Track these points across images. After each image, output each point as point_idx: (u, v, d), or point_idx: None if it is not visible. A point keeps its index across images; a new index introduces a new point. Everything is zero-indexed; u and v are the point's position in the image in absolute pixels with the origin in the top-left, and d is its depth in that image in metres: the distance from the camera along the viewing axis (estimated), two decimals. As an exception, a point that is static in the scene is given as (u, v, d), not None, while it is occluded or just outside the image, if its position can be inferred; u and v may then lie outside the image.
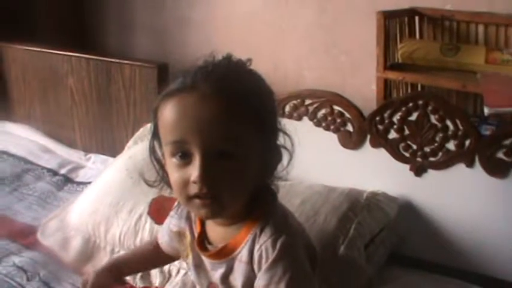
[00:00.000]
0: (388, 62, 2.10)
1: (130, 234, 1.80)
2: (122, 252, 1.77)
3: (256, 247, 1.18)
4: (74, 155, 2.59)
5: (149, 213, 1.81)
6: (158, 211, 1.79)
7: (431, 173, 1.81)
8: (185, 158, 1.14)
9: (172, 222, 1.37)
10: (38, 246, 1.92)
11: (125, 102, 2.41)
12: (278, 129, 1.24)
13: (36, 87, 2.70)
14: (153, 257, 1.53)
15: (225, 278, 1.24)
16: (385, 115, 1.82)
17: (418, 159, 1.81)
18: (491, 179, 1.74)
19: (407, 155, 1.82)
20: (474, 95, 2.12)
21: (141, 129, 2.23)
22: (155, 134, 1.23)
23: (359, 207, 1.72)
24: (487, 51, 2.13)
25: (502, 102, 1.84)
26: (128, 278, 1.72)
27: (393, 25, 2.16)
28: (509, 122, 1.94)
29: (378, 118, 1.83)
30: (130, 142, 2.23)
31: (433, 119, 1.77)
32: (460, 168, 1.77)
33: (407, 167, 1.83)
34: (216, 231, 1.27)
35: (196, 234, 1.30)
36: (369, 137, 1.86)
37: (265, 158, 1.19)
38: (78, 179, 2.42)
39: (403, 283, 1.72)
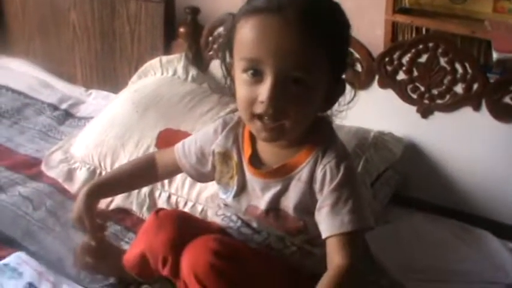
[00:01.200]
0: (396, 6, 2.08)
1: (137, 166, 1.80)
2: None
3: (320, 167, 1.22)
4: (75, 91, 2.56)
5: (157, 145, 1.82)
6: (166, 143, 1.78)
7: (437, 115, 1.83)
8: (256, 75, 1.16)
9: (217, 142, 1.36)
10: (43, 177, 1.93)
11: (129, 38, 2.37)
12: (347, 62, 1.26)
13: (36, 21, 2.64)
14: (144, 175, 1.53)
15: (277, 197, 1.27)
16: (394, 56, 1.83)
17: (426, 101, 1.83)
18: (497, 123, 1.76)
19: (414, 96, 1.84)
20: (478, 43, 2.12)
21: (145, 65, 2.22)
22: (228, 45, 1.24)
23: (366, 145, 1.75)
24: (495, 0, 2.12)
25: (510, 48, 1.85)
26: (135, 209, 1.75)
27: (402, -31, 2.14)
28: (516, 69, 1.95)
29: (387, 59, 1.84)
30: (135, 77, 2.22)
31: (442, 61, 1.78)
32: (467, 111, 1.79)
33: (414, 108, 1.85)
34: (270, 153, 1.29)
35: (245, 156, 1.32)
36: (377, 77, 1.87)
37: (330, 88, 1.22)
38: (79, 114, 2.40)
39: (405, 223, 1.75)
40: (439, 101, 1.81)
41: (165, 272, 1.32)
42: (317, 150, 1.24)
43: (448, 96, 1.80)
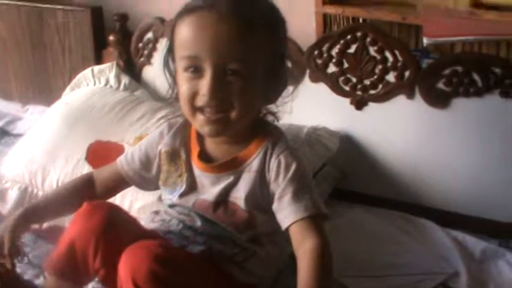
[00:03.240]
0: (329, -2, 2.05)
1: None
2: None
3: (273, 157, 1.26)
4: (11, 107, 2.50)
5: (87, 158, 1.77)
6: (96, 156, 1.76)
7: (372, 106, 1.80)
8: (197, 72, 1.20)
9: (164, 142, 1.38)
10: (-26, 200, 1.85)
11: (60, 49, 2.32)
12: (286, 56, 1.32)
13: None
14: (81, 196, 1.41)
15: (227, 189, 1.29)
16: (324, 49, 1.80)
17: (358, 92, 1.79)
18: (432, 109, 1.74)
19: (347, 88, 1.81)
20: (416, 29, 2.09)
21: (78, 76, 2.16)
22: (170, 49, 1.29)
23: (299, 143, 1.70)
24: (428, -15, 2.09)
25: (441, 32, 1.82)
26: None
27: (332, -43, 2.11)
28: (449, 53, 1.92)
29: (316, 52, 1.81)
30: (67, 89, 2.16)
31: (372, 50, 1.75)
32: (401, 100, 1.76)
33: (347, 100, 1.82)
34: (219, 149, 1.32)
35: (193, 153, 1.34)
36: (308, 71, 1.83)
37: (271, 81, 1.26)
38: (15, 131, 2.34)
39: (345, 218, 1.72)
40: (372, 92, 1.78)
41: (96, 263, 1.24)
42: (266, 143, 1.28)
43: (380, 86, 1.77)
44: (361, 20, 2.06)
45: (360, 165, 1.84)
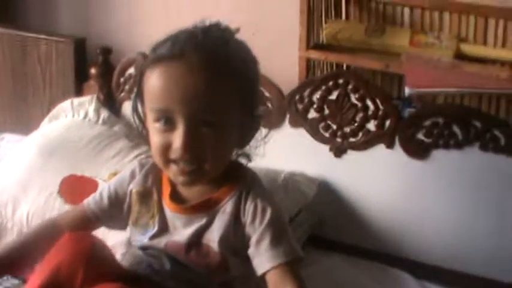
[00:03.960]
0: (313, 42, 2.05)
1: (39, 214, 1.71)
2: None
3: (249, 200, 1.22)
4: (-14, 135, 2.46)
5: (60, 192, 1.75)
6: (69, 190, 1.74)
7: (351, 153, 1.79)
8: (168, 124, 1.16)
9: (135, 181, 1.33)
10: None
11: (41, 79, 2.30)
12: (259, 100, 1.32)
13: None
14: (47, 244, 1.28)
15: (200, 232, 1.24)
16: (305, 94, 1.79)
17: (338, 139, 1.78)
18: (411, 160, 1.73)
19: (327, 135, 1.80)
20: (399, 78, 2.09)
21: (57, 107, 2.14)
22: (138, 94, 1.25)
23: (275, 188, 1.68)
24: (412, 34, 2.10)
25: (423, 83, 1.81)
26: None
27: (318, 5, 2.11)
28: (430, 104, 1.92)
29: (297, 97, 1.80)
30: (45, 120, 2.14)
31: (353, 98, 1.75)
32: (380, 149, 1.76)
33: (327, 147, 1.81)
34: (191, 190, 1.28)
35: (164, 194, 1.30)
36: (288, 116, 1.82)
37: (245, 126, 1.24)
38: (-11, 159, 2.30)
39: (322, 266, 1.69)
40: (351, 139, 1.77)
41: None
42: (240, 185, 1.25)
43: (360, 134, 1.76)
44: (344, 67, 2.06)
45: (337, 212, 1.82)
